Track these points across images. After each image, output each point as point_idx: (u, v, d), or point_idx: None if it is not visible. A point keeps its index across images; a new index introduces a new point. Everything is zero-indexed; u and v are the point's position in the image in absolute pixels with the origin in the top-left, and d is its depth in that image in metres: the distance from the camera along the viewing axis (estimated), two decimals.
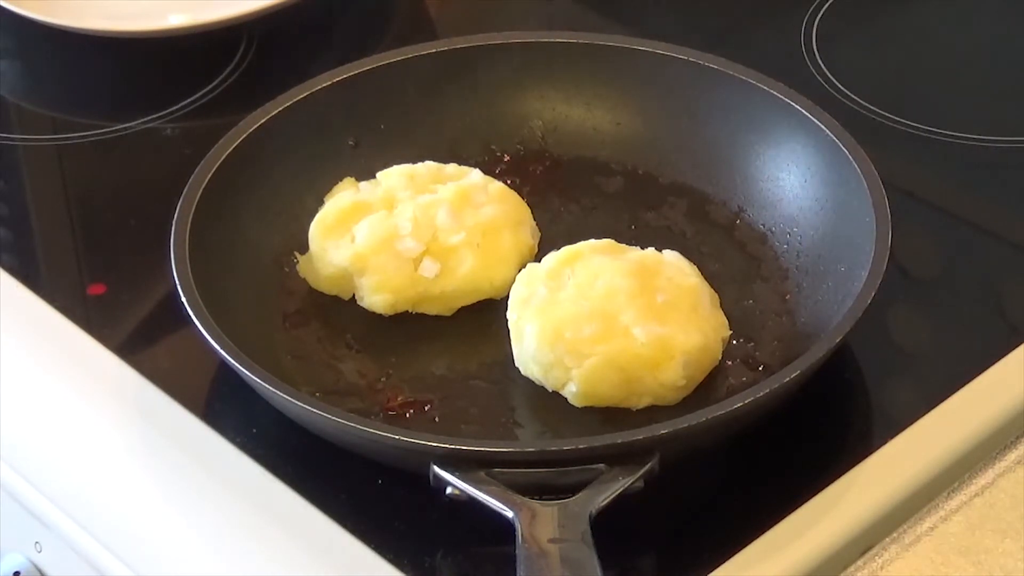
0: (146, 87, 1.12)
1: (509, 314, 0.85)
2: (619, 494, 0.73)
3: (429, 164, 0.93)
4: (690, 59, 0.95)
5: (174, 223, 0.86)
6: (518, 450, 0.76)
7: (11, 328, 0.91)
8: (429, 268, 0.88)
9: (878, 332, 0.86)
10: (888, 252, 0.81)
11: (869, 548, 0.76)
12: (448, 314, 0.89)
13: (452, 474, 0.74)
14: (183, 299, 0.82)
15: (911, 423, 0.81)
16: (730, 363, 0.85)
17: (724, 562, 0.75)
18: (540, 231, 0.92)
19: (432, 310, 0.88)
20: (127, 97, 1.12)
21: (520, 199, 0.93)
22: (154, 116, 1.08)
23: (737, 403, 0.75)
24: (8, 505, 0.90)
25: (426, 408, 0.83)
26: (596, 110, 0.98)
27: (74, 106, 1.13)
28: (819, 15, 1.13)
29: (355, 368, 0.86)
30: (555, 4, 1.24)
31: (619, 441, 0.74)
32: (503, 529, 0.72)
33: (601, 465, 0.74)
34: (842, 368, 0.84)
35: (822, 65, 1.09)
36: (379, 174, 0.93)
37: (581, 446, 0.74)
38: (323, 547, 0.78)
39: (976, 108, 1.05)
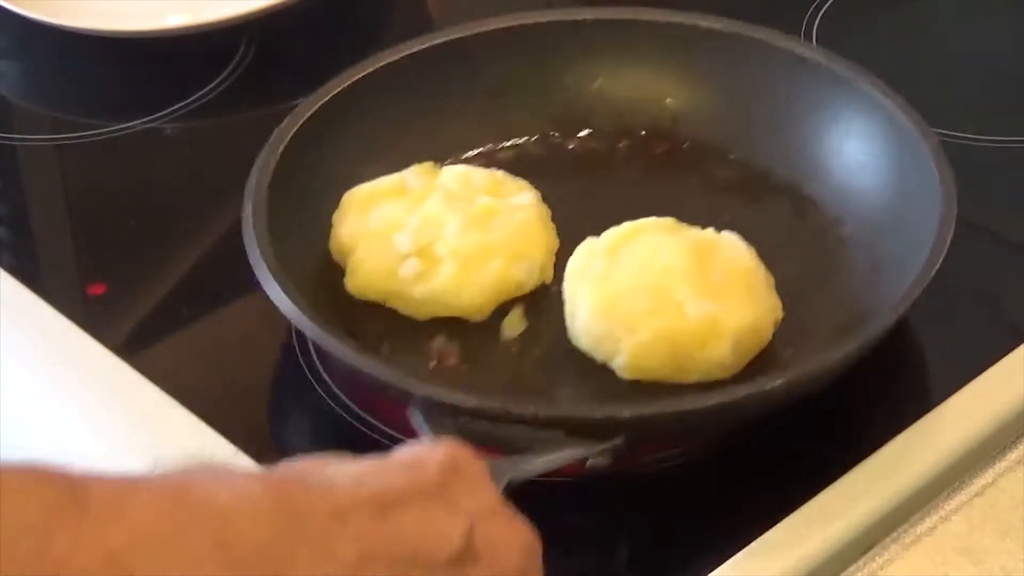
0: (146, 87, 1.12)
1: (564, 286, 0.86)
2: (556, 467, 0.73)
3: (494, 172, 0.92)
4: (778, 45, 0.96)
5: (251, 207, 0.85)
6: (471, 401, 0.75)
7: (11, 328, 0.91)
8: (409, 267, 0.87)
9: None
10: (948, 244, 0.81)
11: (869, 548, 0.76)
12: (421, 319, 0.87)
13: (422, 418, 0.75)
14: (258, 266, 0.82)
15: (911, 423, 0.81)
16: (781, 346, 0.84)
17: (724, 562, 0.75)
18: (618, 210, 0.90)
19: (406, 309, 0.88)
20: (127, 97, 1.12)
21: (544, 235, 0.90)
22: (154, 116, 1.08)
23: (711, 401, 0.77)
24: None
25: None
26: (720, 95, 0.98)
27: (74, 106, 1.13)
28: (819, 15, 1.13)
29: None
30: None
31: (578, 415, 0.76)
32: None
33: (560, 433, 0.74)
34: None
35: None
36: (444, 169, 0.93)
37: (538, 412, 0.75)
38: None
39: (976, 108, 1.05)
